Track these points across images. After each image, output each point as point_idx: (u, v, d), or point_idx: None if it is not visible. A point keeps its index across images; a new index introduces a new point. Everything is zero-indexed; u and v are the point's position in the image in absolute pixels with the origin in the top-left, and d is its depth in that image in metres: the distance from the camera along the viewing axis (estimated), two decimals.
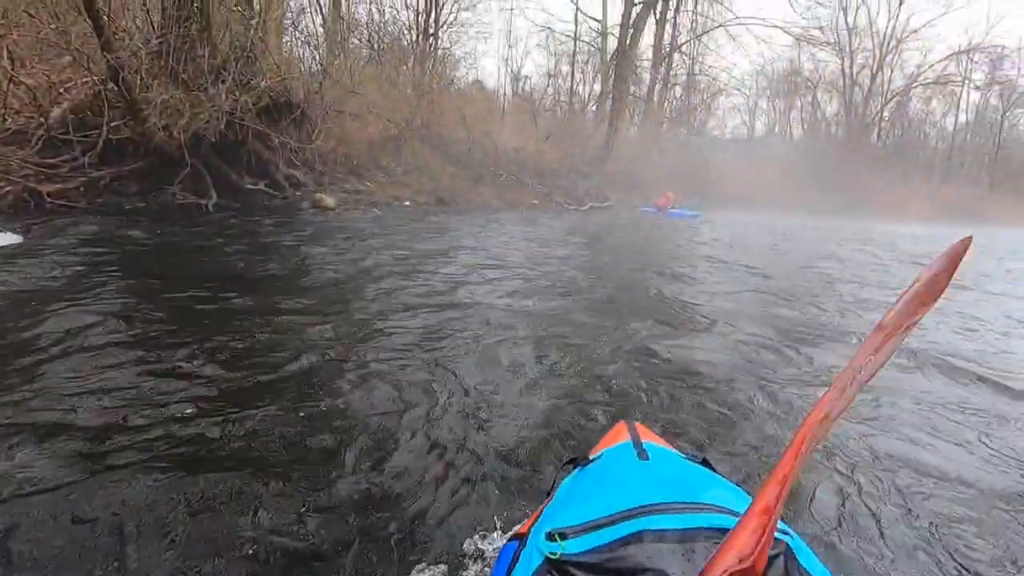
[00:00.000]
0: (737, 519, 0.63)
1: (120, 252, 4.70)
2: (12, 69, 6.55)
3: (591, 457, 1.05)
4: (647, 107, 24.73)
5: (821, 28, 27.51)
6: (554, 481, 1.07)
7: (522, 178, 14.99)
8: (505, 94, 23.23)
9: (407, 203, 12.03)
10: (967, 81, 35.36)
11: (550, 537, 0.73)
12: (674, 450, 1.08)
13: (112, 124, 7.04)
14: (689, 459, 0.99)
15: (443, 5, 20.47)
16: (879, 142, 35.59)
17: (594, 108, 22.88)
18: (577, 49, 23.48)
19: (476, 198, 14.02)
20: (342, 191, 11.07)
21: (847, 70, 32.96)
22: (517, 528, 0.96)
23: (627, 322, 3.60)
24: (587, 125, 19.72)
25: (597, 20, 21.44)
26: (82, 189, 7.12)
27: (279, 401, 2.08)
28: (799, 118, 37.81)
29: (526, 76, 26.57)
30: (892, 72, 33.80)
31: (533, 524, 0.88)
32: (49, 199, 6.64)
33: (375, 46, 18.30)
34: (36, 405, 1.90)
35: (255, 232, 6.50)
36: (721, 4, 22.83)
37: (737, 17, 21.23)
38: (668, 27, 24.52)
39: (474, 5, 21.78)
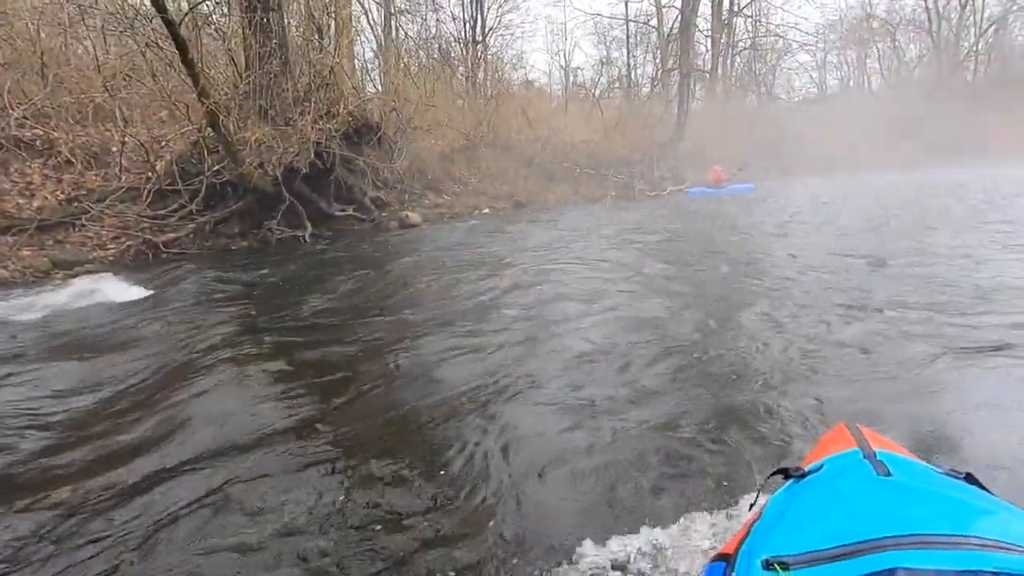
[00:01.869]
0: None
1: (238, 292, 4.75)
2: (124, 128, 6.84)
3: (807, 468, 0.87)
4: (711, 79, 23.44)
5: None
6: (757, 494, 0.94)
7: (598, 170, 14.45)
8: (561, 89, 22.74)
9: (486, 210, 11.83)
10: None
11: (768, 566, 0.62)
12: (922, 462, 0.88)
13: (213, 169, 7.23)
14: (948, 475, 0.78)
15: (488, 11, 20.35)
16: (976, 78, 32.01)
17: (652, 89, 21.93)
18: (630, 32, 22.62)
19: (552, 196, 13.63)
20: (423, 207, 11.02)
21: (931, 5, 29.89)
22: (720, 547, 0.84)
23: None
24: (653, 106, 18.84)
25: None
26: (191, 236, 7.36)
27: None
28: (877, 67, 34.77)
29: (577, 68, 25.97)
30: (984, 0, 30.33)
31: (740, 544, 0.75)
32: (164, 249, 6.88)
33: (431, 60, 18.39)
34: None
35: (354, 258, 6.53)
36: None
37: None
38: None
39: (517, 6, 21.46)
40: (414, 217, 9.54)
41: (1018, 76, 33.18)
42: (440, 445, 1.94)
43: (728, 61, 24.95)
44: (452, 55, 19.60)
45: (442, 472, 1.77)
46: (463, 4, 20.01)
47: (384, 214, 9.90)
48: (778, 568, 0.61)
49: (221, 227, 7.82)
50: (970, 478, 0.79)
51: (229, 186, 7.67)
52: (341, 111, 8.25)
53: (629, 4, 22.19)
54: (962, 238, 5.66)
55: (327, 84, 8.11)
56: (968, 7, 30.26)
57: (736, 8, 23.52)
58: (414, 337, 3.10)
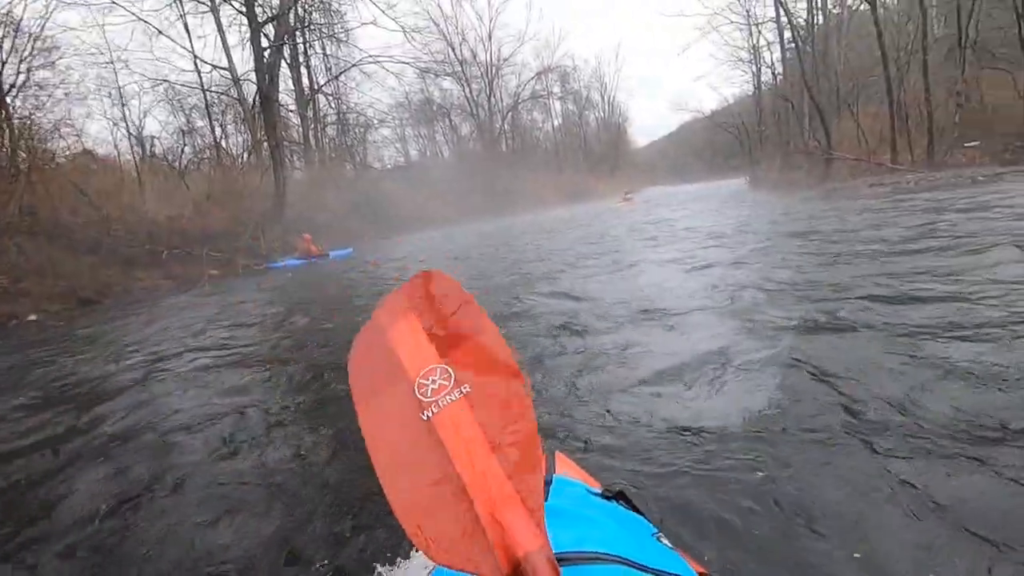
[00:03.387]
0: (633, 570, 0.60)
1: None
2: None
3: None
4: (306, 150, 24.43)
5: (439, 62, 31.67)
6: None
7: (191, 249, 13.09)
8: (133, 160, 19.75)
9: (32, 317, 9.20)
10: (551, 94, 45.69)
11: None
12: (588, 484, 0.95)
13: None
14: (600, 494, 0.87)
15: (4, 65, 16.24)
16: (508, 149, 43.11)
17: (249, 159, 21.45)
18: (209, 100, 21.53)
19: (136, 285, 11.65)
20: None
21: (468, 95, 38.78)
22: None
23: None
24: (250, 178, 18.35)
25: (223, 69, 19.99)
26: None
27: None
28: (443, 140, 42.85)
29: (153, 137, 23.04)
30: (500, 93, 41.29)
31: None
32: None
33: None
34: None
35: None
36: (349, 46, 24.10)
37: (370, 56, 22.64)
38: (304, 71, 24.68)
39: (52, 63, 17.80)
40: None
41: (532, 147, 46.24)
42: None
43: (320, 133, 26.49)
44: None
45: None
46: None
47: None
48: None
49: None
50: (620, 495, 0.86)
51: None
52: None
53: (204, 73, 21.04)
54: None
55: None
56: (493, 98, 40.61)
57: (316, 86, 25.31)
58: None
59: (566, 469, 1.05)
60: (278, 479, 2.20)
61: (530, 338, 3.85)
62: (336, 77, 25.32)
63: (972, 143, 17.27)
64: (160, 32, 17.67)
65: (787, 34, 29.58)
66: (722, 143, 50.40)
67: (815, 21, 28.72)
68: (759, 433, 2.04)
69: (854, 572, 1.32)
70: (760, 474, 1.77)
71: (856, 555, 1.37)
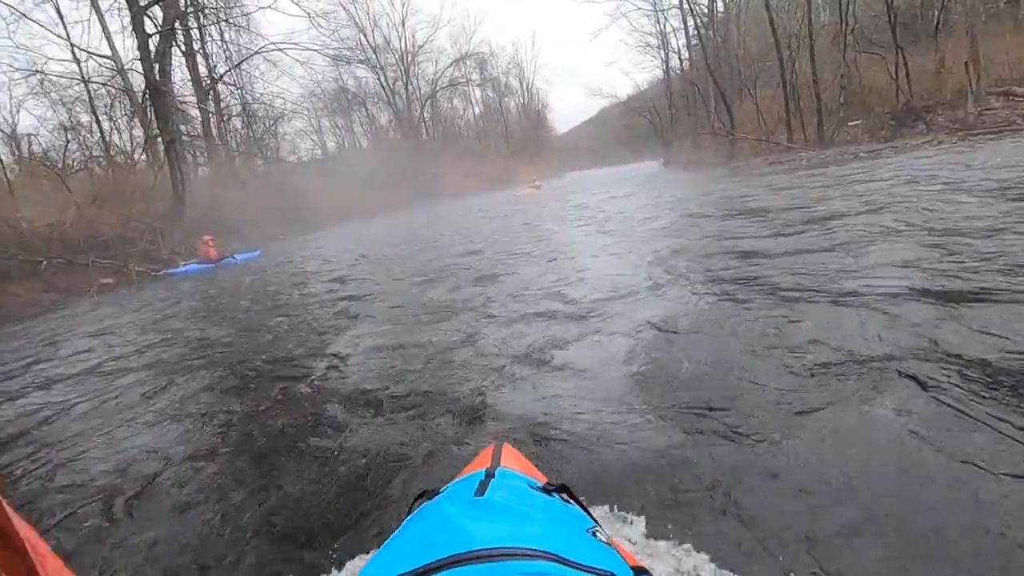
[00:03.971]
0: (560, 566, 0.59)
1: None
2: None
3: (441, 490, 0.90)
4: (208, 145, 22.82)
5: (351, 49, 30.45)
6: (407, 517, 0.88)
7: (74, 258, 11.91)
8: (2, 161, 17.60)
9: None
10: (470, 81, 45.25)
11: None
12: (531, 477, 0.96)
13: None
14: (543, 488, 0.88)
15: None
16: (428, 137, 42.31)
17: (146, 157, 19.73)
18: (93, 93, 19.55)
19: (12, 300, 10.49)
20: None
21: (384, 83, 37.65)
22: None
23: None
24: (144, 177, 16.88)
25: (105, 57, 18.16)
26: None
27: None
28: (362, 131, 41.40)
29: (29, 135, 20.67)
30: (418, 80, 40.39)
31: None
32: None
33: None
34: None
35: None
36: (249, 32, 22.63)
37: (272, 43, 21.36)
38: (201, 59, 22.98)
39: None
40: None
41: (453, 135, 45.71)
42: None
43: (223, 126, 24.81)
44: None
45: None
46: None
47: None
48: None
49: None
50: (563, 488, 0.87)
51: None
52: None
53: (83, 61, 18.98)
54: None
55: None
56: (410, 86, 39.64)
57: (215, 76, 23.61)
58: None
59: (512, 461, 1.04)
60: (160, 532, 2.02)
61: (447, 338, 3.79)
62: (237, 65, 23.74)
63: (855, 122, 18.80)
64: (23, 16, 15.76)
65: (691, 21, 30.83)
66: (637, 127, 51.96)
67: (716, 8, 30.12)
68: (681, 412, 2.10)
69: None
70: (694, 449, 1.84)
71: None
